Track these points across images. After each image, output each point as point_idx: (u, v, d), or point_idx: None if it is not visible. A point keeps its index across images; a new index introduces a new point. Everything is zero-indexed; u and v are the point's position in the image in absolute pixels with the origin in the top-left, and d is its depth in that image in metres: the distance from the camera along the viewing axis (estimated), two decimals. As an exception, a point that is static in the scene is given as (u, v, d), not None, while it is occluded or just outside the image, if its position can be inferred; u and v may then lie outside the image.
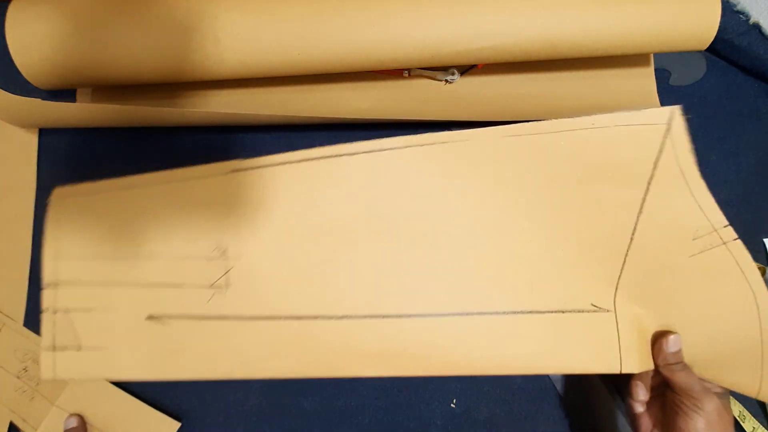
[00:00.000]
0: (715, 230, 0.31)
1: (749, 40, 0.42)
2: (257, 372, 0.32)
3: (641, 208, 0.31)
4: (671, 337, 0.34)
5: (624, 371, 0.32)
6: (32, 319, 0.45)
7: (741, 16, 0.42)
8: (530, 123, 0.30)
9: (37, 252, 0.45)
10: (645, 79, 0.45)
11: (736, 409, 0.40)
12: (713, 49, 0.44)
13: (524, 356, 0.32)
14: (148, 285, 0.31)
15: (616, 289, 0.33)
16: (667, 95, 0.45)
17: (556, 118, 0.34)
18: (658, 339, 0.34)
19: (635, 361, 0.32)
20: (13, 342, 0.40)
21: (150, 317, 0.31)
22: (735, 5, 0.41)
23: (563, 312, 0.32)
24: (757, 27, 0.42)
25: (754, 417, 0.40)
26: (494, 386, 0.43)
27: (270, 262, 0.31)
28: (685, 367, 0.33)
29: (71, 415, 0.39)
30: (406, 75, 0.44)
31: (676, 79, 0.46)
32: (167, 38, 0.37)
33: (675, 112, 0.29)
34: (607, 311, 0.32)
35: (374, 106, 0.44)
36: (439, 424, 0.42)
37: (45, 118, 0.44)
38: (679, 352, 0.34)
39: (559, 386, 0.42)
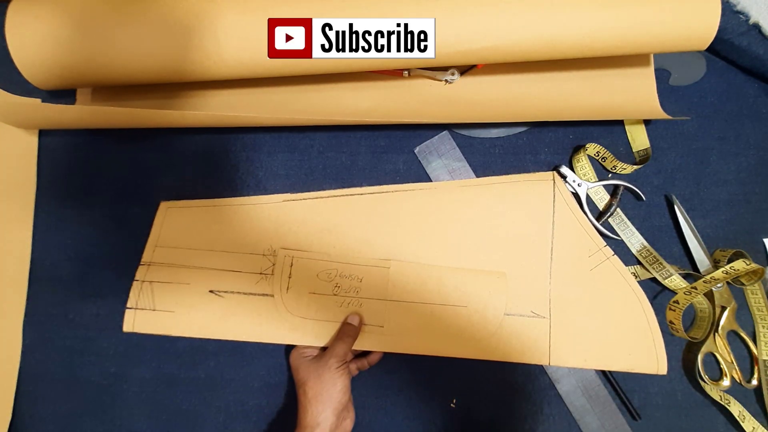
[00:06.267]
0: (600, 249, 0.43)
1: (749, 40, 0.42)
2: (285, 339, 0.43)
3: (552, 235, 0.43)
4: None
5: (551, 364, 0.42)
6: (33, 319, 0.45)
7: (741, 16, 0.42)
8: (471, 179, 0.45)
9: (37, 252, 0.46)
10: (645, 79, 0.45)
11: (736, 409, 0.40)
12: (713, 49, 0.44)
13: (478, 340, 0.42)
14: (215, 269, 0.44)
15: (550, 300, 0.43)
16: (667, 95, 0.45)
17: (556, 119, 0.43)
18: None
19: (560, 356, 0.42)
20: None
21: (211, 291, 0.43)
22: (735, 5, 0.42)
23: (509, 315, 0.43)
24: (757, 27, 0.42)
25: (754, 417, 0.40)
26: (494, 386, 0.43)
27: (302, 261, 0.44)
28: None
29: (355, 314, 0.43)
30: (406, 75, 0.44)
31: (676, 79, 0.46)
32: (167, 38, 0.37)
33: (554, 173, 0.44)
34: (543, 317, 0.43)
35: (374, 106, 0.44)
36: (439, 424, 0.42)
37: (45, 120, 0.44)
38: None
39: (559, 387, 0.42)
